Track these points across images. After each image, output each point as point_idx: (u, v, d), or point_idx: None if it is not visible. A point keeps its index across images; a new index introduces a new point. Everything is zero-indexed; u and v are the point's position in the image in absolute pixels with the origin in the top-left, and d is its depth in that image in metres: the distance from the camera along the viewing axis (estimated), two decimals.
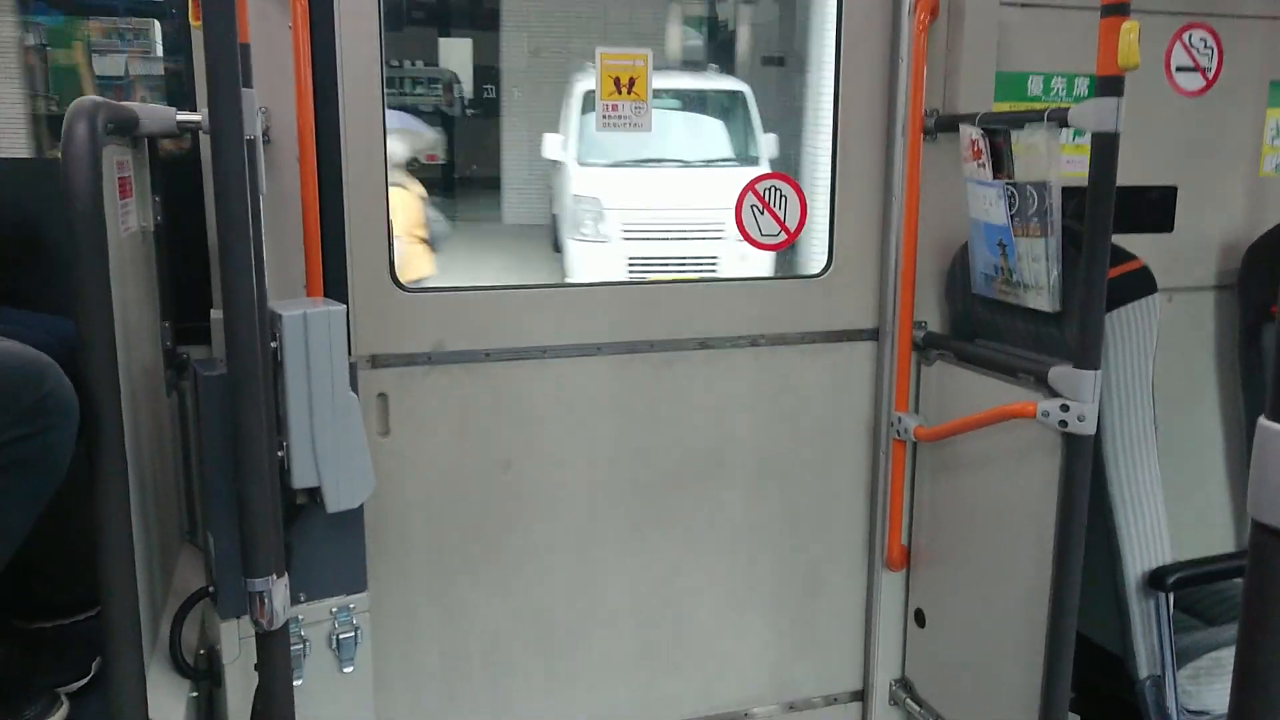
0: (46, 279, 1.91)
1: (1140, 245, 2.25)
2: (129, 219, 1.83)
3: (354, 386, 1.92)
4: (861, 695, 2.91)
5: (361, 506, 1.98)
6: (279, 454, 1.83)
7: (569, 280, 8.36)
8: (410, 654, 2.52)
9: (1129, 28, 1.88)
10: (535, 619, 2.60)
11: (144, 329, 1.95)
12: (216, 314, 2.18)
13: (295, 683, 1.83)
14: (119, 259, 1.61)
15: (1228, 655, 2.34)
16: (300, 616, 1.98)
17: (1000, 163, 2.27)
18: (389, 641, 2.46)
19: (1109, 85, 1.95)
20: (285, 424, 1.85)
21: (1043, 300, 2.22)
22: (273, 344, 1.82)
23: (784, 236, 2.64)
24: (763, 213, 2.61)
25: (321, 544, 1.99)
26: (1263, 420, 0.92)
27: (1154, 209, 2.79)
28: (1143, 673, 2.27)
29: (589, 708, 2.70)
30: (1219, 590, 2.60)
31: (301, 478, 1.87)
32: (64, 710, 1.70)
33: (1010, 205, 2.23)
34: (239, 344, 1.54)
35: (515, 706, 2.64)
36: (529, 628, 2.60)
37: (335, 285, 2.24)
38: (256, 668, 1.69)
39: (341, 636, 2.03)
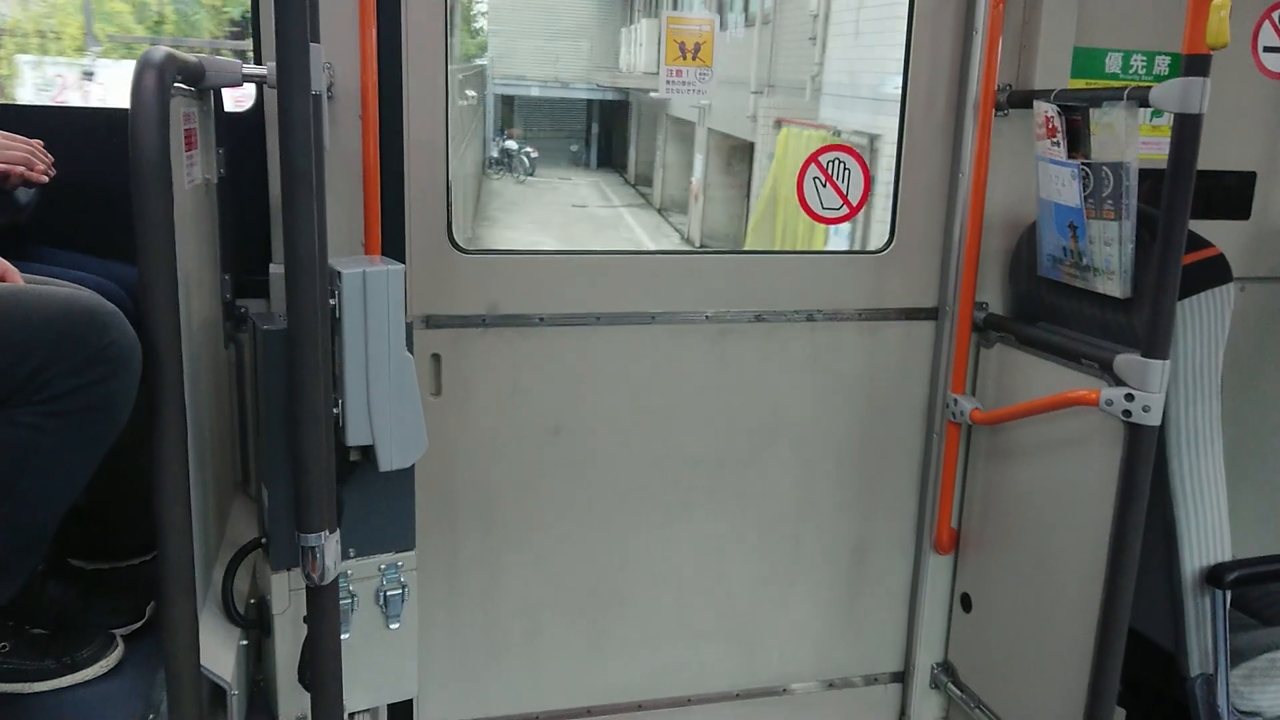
0: (116, 227, 1.94)
1: (1214, 232, 2.18)
2: (194, 171, 1.83)
3: (409, 347, 1.93)
4: (902, 677, 2.90)
5: (413, 466, 1.99)
6: (334, 411, 1.84)
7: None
8: (455, 613, 2.54)
9: (1220, 4, 1.80)
10: (580, 585, 2.62)
11: (205, 281, 1.97)
12: (276, 268, 2.19)
13: (342, 636, 1.86)
14: (183, 211, 1.62)
15: None
16: (349, 572, 2.01)
17: (1076, 142, 2.20)
18: (434, 600, 2.49)
19: (1195, 64, 1.88)
20: (341, 381, 1.85)
21: (1113, 285, 2.16)
22: (331, 301, 1.83)
23: (845, 210, 2.60)
24: (825, 185, 2.57)
25: (372, 501, 2.00)
26: None
27: (1231, 195, 2.70)
28: (1194, 670, 2.22)
29: (629, 675, 2.72)
30: (1279, 590, 2.54)
31: (356, 435, 1.88)
32: (119, 651, 1.74)
33: (1084, 186, 2.17)
34: (299, 299, 1.54)
35: (555, 670, 2.66)
36: (573, 593, 2.62)
37: (393, 244, 2.24)
38: (306, 620, 1.71)
39: (389, 593, 2.05)
